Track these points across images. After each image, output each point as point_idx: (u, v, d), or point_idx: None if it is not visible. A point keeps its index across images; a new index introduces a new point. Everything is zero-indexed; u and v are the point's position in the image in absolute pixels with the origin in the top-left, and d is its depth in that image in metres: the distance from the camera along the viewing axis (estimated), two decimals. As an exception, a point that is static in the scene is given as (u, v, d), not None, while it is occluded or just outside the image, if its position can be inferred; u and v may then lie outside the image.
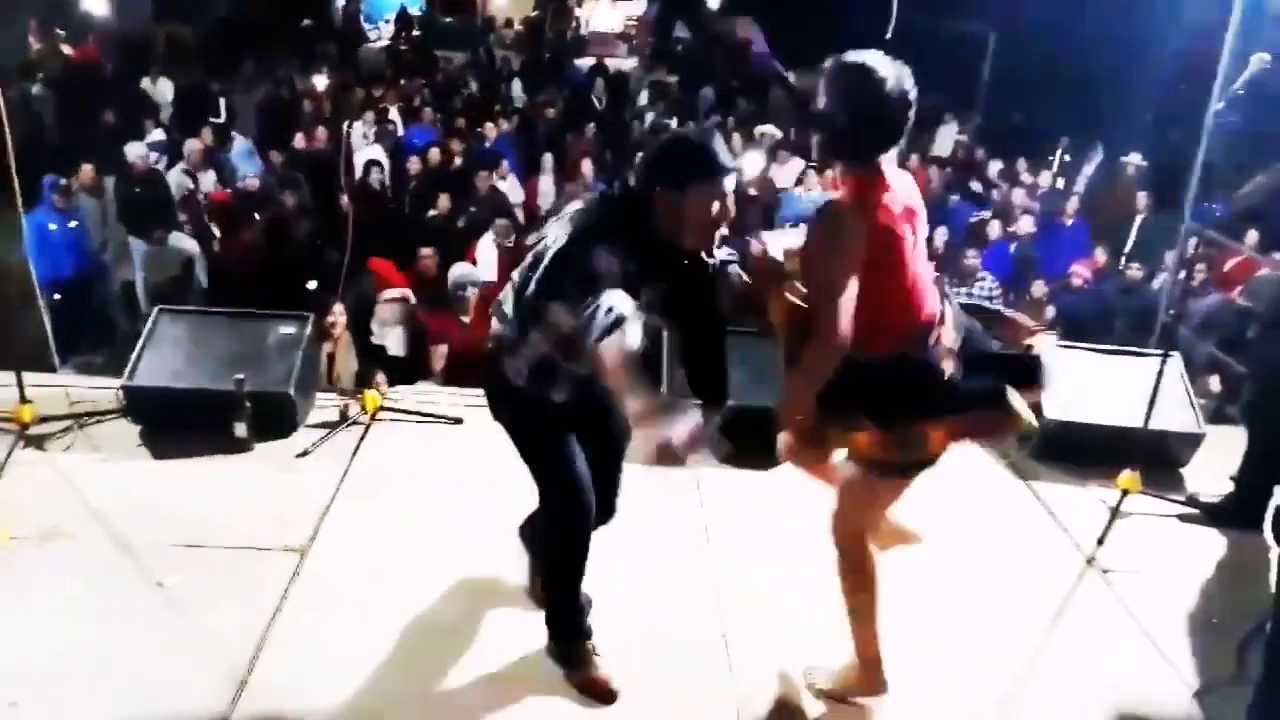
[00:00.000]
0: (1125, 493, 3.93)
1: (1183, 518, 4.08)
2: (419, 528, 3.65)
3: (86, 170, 8.43)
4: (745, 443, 4.33)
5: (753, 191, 9.14)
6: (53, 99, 11.00)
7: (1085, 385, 4.54)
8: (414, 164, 9.53)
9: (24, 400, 4.08)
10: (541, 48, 20.80)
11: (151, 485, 3.85)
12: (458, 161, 9.97)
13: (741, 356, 4.26)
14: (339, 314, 5.53)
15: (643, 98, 15.24)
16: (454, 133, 11.09)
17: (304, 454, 4.14)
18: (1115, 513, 3.85)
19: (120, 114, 11.08)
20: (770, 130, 11.37)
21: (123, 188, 8.61)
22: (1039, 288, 7.65)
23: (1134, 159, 9.73)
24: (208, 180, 9.13)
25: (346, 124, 6.90)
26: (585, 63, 18.11)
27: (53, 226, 7.57)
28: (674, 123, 12.83)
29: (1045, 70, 12.71)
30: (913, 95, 2.33)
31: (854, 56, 2.34)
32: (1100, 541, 3.77)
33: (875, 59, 2.32)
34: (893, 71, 2.31)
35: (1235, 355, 6.56)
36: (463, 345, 6.22)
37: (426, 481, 4.00)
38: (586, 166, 9.54)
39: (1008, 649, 3.20)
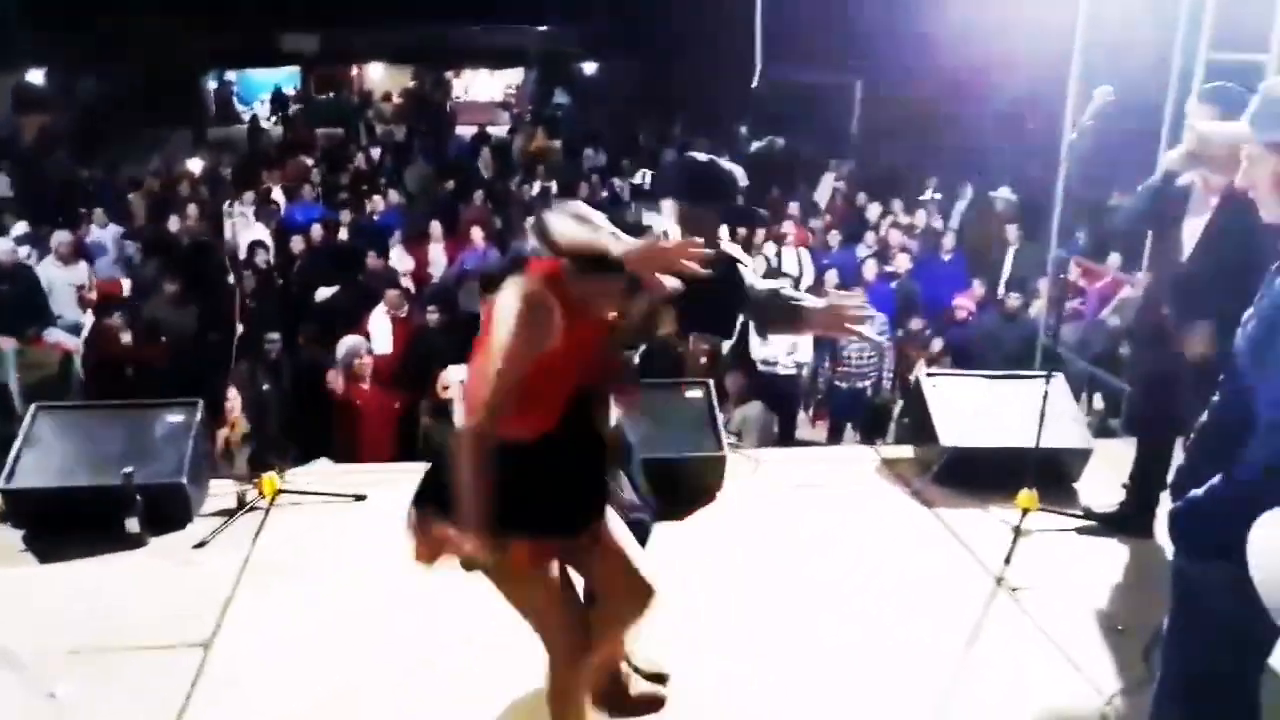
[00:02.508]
0: (1025, 511, 4.06)
1: (1081, 530, 4.23)
2: (326, 612, 3.53)
3: (-53, 271, 8.04)
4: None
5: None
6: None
7: (976, 411, 4.71)
8: (297, 242, 9.40)
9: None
10: (422, 119, 20.85)
11: (39, 591, 3.64)
12: (343, 235, 9.89)
13: (648, 407, 4.28)
14: (233, 397, 5.38)
15: (525, 163, 15.39)
16: (339, 207, 11.00)
17: (201, 545, 3.98)
18: (1018, 531, 3.97)
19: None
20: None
21: (-11, 285, 8.22)
22: (917, 322, 7.95)
23: (1003, 193, 10.20)
24: (79, 272, 8.79)
25: (226, 205, 6.74)
26: (468, 131, 18.23)
27: (-87, 330, 7.19)
28: (554, 186, 12.99)
29: (910, 114, 13.32)
30: None
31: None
32: (1007, 560, 3.88)
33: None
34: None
35: (1111, 372, 6.89)
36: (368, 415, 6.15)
37: (332, 563, 3.88)
38: (476, 233, 9.56)
39: (925, 673, 3.25)
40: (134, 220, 10.74)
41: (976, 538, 4.14)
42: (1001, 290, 8.75)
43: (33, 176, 12.51)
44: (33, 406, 4.42)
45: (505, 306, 2.15)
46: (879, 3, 12.85)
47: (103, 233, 9.84)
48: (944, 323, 8.22)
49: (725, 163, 2.78)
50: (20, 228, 9.92)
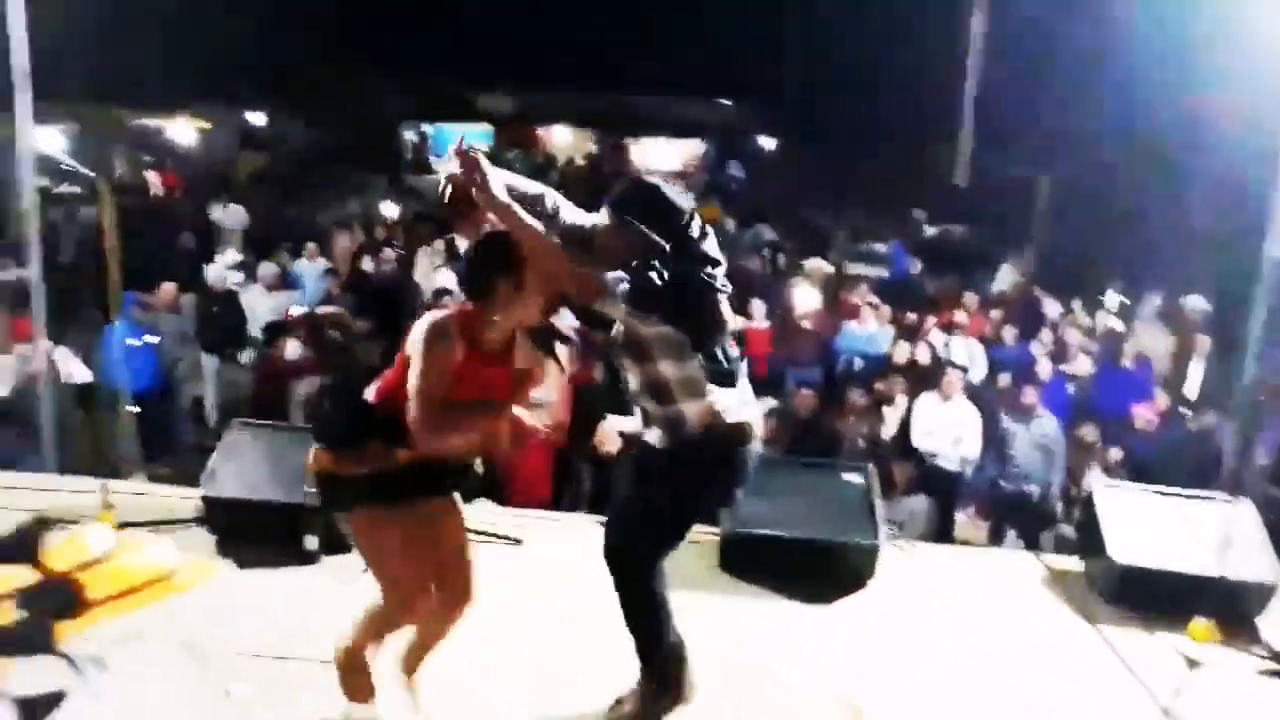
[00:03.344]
0: (1200, 641, 3.83)
1: (1263, 671, 3.95)
2: (484, 641, 3.64)
3: (168, 289, 8.78)
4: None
5: (806, 324, 9.22)
6: (138, 221, 11.61)
7: (1152, 528, 4.47)
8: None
9: (107, 506, 4.23)
10: (602, 182, 21.54)
11: (224, 592, 3.93)
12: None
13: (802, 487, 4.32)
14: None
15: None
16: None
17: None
18: (1192, 662, 3.74)
19: (198, 237, 11.66)
20: (822, 265, 11.58)
21: (202, 306, 8.97)
22: (1091, 431, 7.59)
23: (1194, 300, 9.71)
24: (281, 301, 9.43)
25: (419, 251, 7.17)
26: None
27: (133, 341, 7.86)
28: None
29: (1097, 211, 12.88)
30: None
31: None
32: (1177, 693, 3.65)
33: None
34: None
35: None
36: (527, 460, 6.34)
37: (488, 599, 4.01)
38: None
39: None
40: (334, 258, 11.47)
41: (1143, 663, 3.92)
42: (1186, 404, 8.30)
43: (248, 211, 13.58)
44: (233, 421, 4.80)
45: (415, 334, 2.72)
46: (1068, 98, 12.60)
47: (306, 267, 10.55)
48: (1121, 432, 7.83)
49: (673, 192, 2.89)
50: (233, 256, 10.79)
